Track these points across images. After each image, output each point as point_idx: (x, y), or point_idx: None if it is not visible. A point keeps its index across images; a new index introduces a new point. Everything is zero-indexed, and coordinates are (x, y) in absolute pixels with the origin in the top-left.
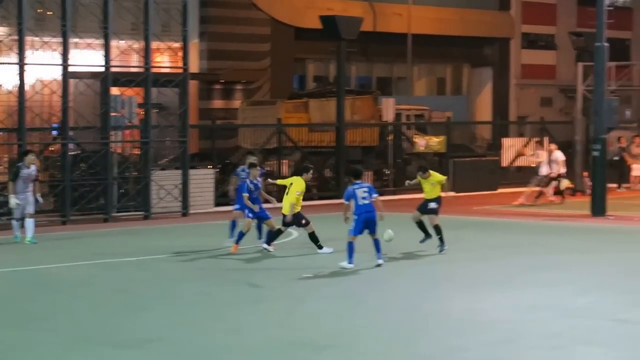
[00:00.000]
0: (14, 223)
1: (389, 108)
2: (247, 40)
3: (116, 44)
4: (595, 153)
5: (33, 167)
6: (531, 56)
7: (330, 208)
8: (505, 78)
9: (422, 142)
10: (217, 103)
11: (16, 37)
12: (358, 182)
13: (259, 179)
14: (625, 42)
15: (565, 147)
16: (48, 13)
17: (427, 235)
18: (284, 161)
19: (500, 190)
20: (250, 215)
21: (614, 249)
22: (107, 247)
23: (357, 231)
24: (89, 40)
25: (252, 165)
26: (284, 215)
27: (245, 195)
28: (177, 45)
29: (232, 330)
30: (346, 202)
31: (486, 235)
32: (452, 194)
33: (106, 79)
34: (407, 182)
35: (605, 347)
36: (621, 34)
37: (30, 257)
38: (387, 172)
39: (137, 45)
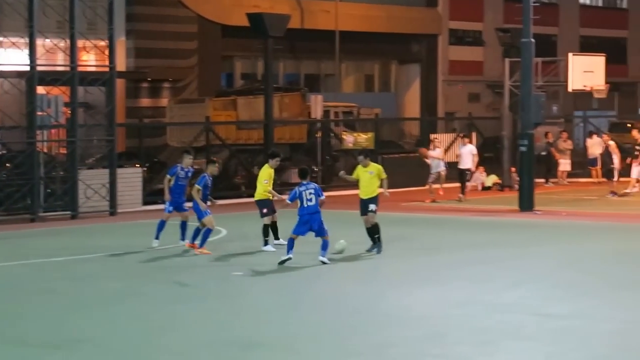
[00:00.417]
0: None
1: (317, 105)
2: (175, 38)
3: (42, 42)
4: (523, 148)
5: None
6: (459, 52)
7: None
8: (433, 74)
9: (351, 139)
10: (145, 101)
11: None
12: (305, 182)
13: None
14: (552, 37)
15: (493, 143)
16: None
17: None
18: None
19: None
20: (209, 212)
21: (542, 243)
22: (34, 247)
23: (300, 232)
24: (13, 39)
25: (211, 162)
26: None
27: (198, 187)
28: (103, 43)
29: (160, 330)
30: (290, 203)
31: (414, 232)
32: (389, 191)
33: (32, 78)
34: (341, 172)
35: (532, 341)
36: (547, 29)
37: None
38: (316, 169)
39: (63, 43)
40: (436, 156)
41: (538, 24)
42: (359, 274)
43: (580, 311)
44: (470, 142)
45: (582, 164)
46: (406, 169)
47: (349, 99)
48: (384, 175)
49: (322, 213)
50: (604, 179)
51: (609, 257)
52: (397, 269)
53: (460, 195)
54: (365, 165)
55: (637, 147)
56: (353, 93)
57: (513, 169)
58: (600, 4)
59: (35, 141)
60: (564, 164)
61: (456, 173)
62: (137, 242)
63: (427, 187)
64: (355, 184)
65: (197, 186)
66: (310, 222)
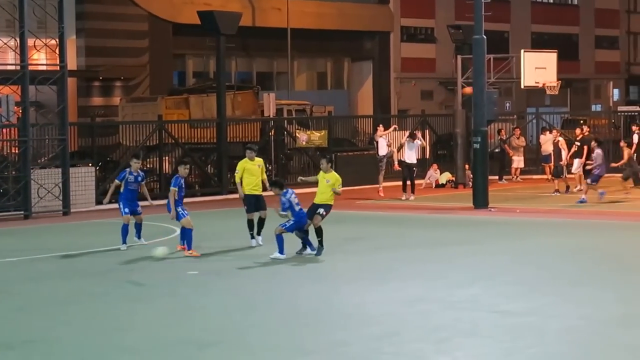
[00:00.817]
0: None
1: (269, 103)
2: (125, 36)
3: None
4: (476, 145)
5: None
6: (411, 49)
7: (212, 204)
8: (385, 71)
9: (304, 137)
10: (97, 100)
11: None
12: (285, 191)
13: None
14: (504, 34)
15: (446, 140)
16: None
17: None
18: (165, 158)
19: (382, 184)
20: (186, 213)
21: (497, 241)
22: None
23: (291, 229)
24: None
25: (182, 163)
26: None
27: (174, 189)
28: (54, 42)
29: (115, 329)
30: (285, 213)
31: (369, 229)
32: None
33: None
34: (300, 178)
35: (488, 338)
36: (499, 26)
37: None
38: (270, 167)
39: (13, 42)
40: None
41: (490, 20)
42: (313, 274)
43: (535, 308)
44: (417, 138)
45: (535, 160)
46: (359, 167)
47: (302, 97)
48: (338, 190)
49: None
50: (552, 176)
51: (564, 254)
52: (351, 267)
53: (406, 194)
54: (325, 171)
55: (577, 143)
56: (306, 91)
57: (467, 166)
58: (551, 0)
59: None
60: (518, 161)
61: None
62: (91, 241)
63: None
64: (311, 185)
65: (173, 188)
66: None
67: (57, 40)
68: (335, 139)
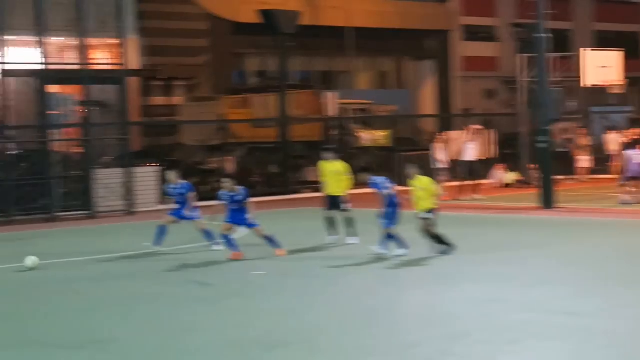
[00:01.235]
0: None
1: (331, 102)
2: (185, 35)
3: (52, 41)
4: (541, 145)
5: None
6: (472, 48)
7: (276, 204)
8: (447, 71)
9: (367, 136)
10: (158, 100)
11: None
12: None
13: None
14: (566, 32)
15: (511, 139)
16: None
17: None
18: (227, 158)
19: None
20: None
21: (565, 241)
22: (52, 247)
23: (391, 224)
24: (23, 38)
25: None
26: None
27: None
28: (114, 41)
29: (183, 330)
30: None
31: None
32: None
33: (43, 76)
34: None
35: (558, 340)
36: (562, 24)
37: None
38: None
39: (74, 42)
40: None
41: (552, 18)
42: (384, 274)
43: (606, 309)
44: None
45: (601, 160)
46: (424, 166)
47: (363, 96)
48: (433, 192)
49: None
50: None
51: (636, 254)
52: (419, 267)
53: (474, 194)
54: (414, 178)
55: None
56: (367, 90)
57: (532, 166)
58: None
59: (47, 140)
60: (583, 161)
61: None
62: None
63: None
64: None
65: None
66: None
67: (118, 39)
68: (398, 138)
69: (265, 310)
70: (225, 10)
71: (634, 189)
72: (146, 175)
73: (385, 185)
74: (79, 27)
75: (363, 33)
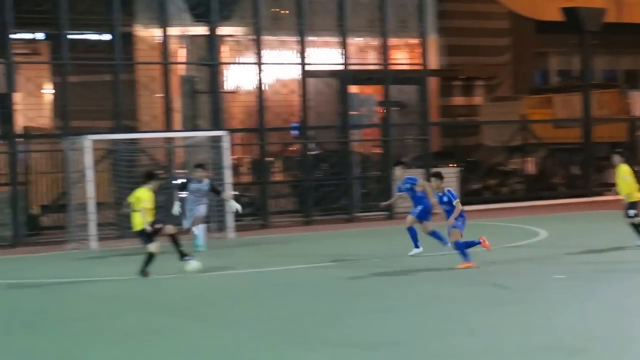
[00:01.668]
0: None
1: (637, 102)
2: (486, 34)
3: (353, 41)
4: None
5: (205, 182)
6: None
7: (578, 207)
8: None
9: None
10: (458, 100)
11: (253, 37)
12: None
13: None
14: None
15: None
16: (283, 12)
17: None
18: (528, 159)
19: None
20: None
21: None
22: (347, 247)
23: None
24: (325, 38)
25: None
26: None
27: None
28: (414, 41)
29: (467, 333)
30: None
31: None
32: None
33: (344, 77)
34: None
35: None
36: None
37: (273, 258)
38: (637, 169)
39: (375, 42)
40: None
41: None
42: None
43: None
44: None
45: None
46: None
47: None
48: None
49: None
50: None
51: None
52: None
53: None
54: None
55: None
56: None
57: None
58: None
59: (349, 141)
60: None
61: None
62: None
63: None
64: None
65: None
66: None
67: (418, 39)
68: None
69: (565, 315)
70: (528, 8)
71: None
72: (447, 176)
73: None
74: (380, 27)
75: None
